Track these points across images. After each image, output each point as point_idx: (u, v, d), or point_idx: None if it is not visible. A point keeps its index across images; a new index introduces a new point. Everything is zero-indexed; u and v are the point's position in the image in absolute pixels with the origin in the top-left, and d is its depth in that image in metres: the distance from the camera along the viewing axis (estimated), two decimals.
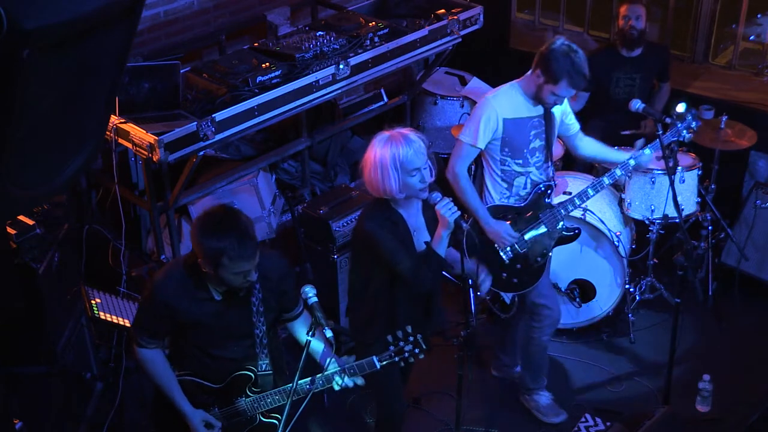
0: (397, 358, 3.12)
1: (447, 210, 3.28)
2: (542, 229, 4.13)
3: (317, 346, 3.24)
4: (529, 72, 3.95)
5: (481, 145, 3.97)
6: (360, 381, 3.20)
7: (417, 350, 3.12)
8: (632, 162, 4.17)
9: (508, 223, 4.07)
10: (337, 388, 3.18)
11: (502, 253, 4.10)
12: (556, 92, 3.86)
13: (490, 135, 3.96)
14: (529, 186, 4.09)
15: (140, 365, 3.29)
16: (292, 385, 3.03)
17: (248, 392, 3.30)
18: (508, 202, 4.09)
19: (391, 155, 3.28)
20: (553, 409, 4.54)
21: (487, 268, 4.04)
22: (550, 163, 4.15)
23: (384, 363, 3.14)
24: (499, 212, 4.08)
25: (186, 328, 3.19)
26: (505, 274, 4.15)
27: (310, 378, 3.13)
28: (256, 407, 3.32)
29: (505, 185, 4.08)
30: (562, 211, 4.16)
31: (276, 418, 3.34)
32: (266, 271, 3.14)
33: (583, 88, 3.89)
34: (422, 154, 3.30)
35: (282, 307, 3.34)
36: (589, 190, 4.17)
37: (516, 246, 4.10)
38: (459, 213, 3.30)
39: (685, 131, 4.23)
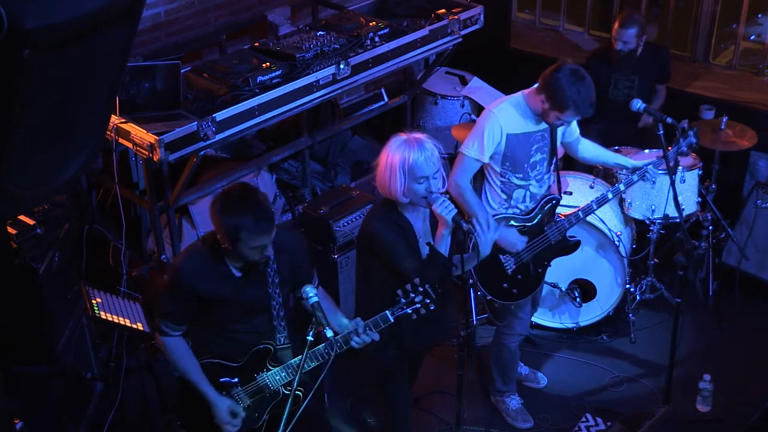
0: (409, 309, 3.18)
1: (444, 209, 3.27)
2: (546, 242, 4.15)
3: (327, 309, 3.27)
4: (534, 87, 3.91)
5: (486, 159, 3.96)
6: (376, 336, 3.26)
7: (428, 300, 3.17)
8: (635, 178, 4.23)
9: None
10: (356, 346, 3.24)
11: (505, 265, 4.11)
12: (562, 118, 3.87)
13: (493, 148, 3.94)
14: (528, 199, 4.09)
15: (164, 353, 3.37)
16: (295, 381, 3.06)
17: (269, 366, 3.34)
18: (507, 213, 4.09)
19: (401, 158, 3.27)
20: (522, 414, 4.55)
21: (490, 279, 4.08)
22: (551, 174, 4.15)
23: (397, 315, 3.20)
24: (508, 223, 4.08)
25: (209, 307, 3.25)
26: (506, 285, 4.16)
27: (326, 342, 3.18)
28: (279, 380, 3.35)
29: (504, 196, 4.08)
30: (566, 224, 4.17)
31: (300, 390, 3.34)
32: (281, 244, 3.23)
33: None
34: (433, 164, 3.28)
35: (297, 281, 3.37)
36: (593, 204, 4.19)
37: (521, 256, 4.11)
38: (455, 210, 3.29)
39: (685, 147, 4.27)
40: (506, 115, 3.93)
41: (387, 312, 3.21)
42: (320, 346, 3.22)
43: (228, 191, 3.21)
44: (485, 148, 3.92)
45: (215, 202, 3.17)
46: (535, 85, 3.93)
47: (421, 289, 3.17)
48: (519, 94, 4.00)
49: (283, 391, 3.39)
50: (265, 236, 3.09)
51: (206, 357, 3.35)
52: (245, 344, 3.33)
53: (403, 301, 3.18)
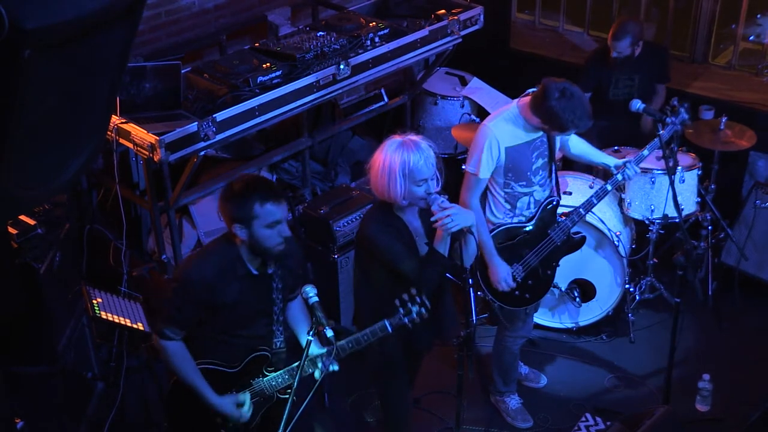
0: (406, 319, 3.20)
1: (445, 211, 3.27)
2: (552, 244, 4.15)
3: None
4: (528, 99, 3.90)
5: (485, 175, 3.95)
6: (336, 367, 3.23)
7: (423, 310, 3.21)
8: (630, 171, 4.18)
9: (517, 241, 4.10)
10: (318, 376, 3.22)
11: (514, 273, 4.12)
12: (563, 134, 3.98)
13: (494, 164, 3.94)
14: (532, 206, 4.09)
15: (164, 358, 3.29)
16: (294, 383, 3.06)
17: (265, 372, 3.35)
18: (512, 222, 4.09)
19: (401, 161, 3.26)
20: (522, 413, 4.56)
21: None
22: (553, 176, 4.15)
23: (396, 325, 3.22)
24: (511, 233, 4.09)
25: (218, 310, 3.20)
26: (518, 292, 4.16)
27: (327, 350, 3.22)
28: (274, 385, 3.36)
29: (509, 206, 4.08)
30: (569, 223, 4.17)
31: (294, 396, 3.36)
32: (287, 250, 3.22)
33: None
34: (431, 165, 3.28)
35: (295, 286, 3.40)
36: (593, 199, 4.18)
37: (529, 262, 4.12)
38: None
39: (679, 125, 4.26)
40: (502, 130, 3.93)
41: (386, 321, 3.22)
42: (323, 349, 3.23)
43: (233, 181, 3.21)
44: (483, 165, 3.92)
45: (223, 194, 3.16)
46: (529, 96, 3.92)
47: (419, 300, 3.20)
48: (513, 105, 3.98)
49: (277, 396, 3.40)
50: (280, 207, 3.08)
51: (204, 361, 3.31)
52: (244, 349, 3.32)
53: (402, 310, 3.20)
